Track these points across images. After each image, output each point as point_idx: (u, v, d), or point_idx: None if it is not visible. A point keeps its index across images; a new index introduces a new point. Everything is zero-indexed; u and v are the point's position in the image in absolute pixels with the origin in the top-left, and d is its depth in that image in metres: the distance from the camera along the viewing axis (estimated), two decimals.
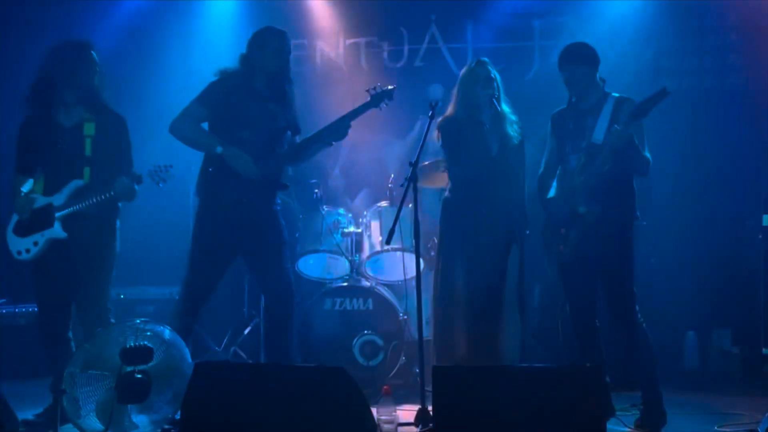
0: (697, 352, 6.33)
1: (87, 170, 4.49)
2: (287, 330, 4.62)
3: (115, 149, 4.56)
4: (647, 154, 4.32)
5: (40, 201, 4.49)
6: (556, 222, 4.43)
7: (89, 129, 4.51)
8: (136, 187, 4.48)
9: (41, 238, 4.47)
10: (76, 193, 4.47)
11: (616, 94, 4.44)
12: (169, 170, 4.49)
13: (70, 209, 4.45)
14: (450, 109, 4.87)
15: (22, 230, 4.51)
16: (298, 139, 4.76)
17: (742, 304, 6.23)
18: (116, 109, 4.64)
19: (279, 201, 4.73)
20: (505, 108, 4.79)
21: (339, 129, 4.60)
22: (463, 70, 4.89)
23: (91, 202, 4.44)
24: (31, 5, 6.79)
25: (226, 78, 4.60)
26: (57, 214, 4.45)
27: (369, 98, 4.63)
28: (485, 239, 4.70)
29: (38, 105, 4.55)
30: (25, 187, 4.53)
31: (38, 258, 4.49)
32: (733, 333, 6.28)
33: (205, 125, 4.61)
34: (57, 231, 4.46)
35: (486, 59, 4.86)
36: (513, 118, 4.80)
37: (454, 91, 4.88)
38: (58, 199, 4.47)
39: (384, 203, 5.85)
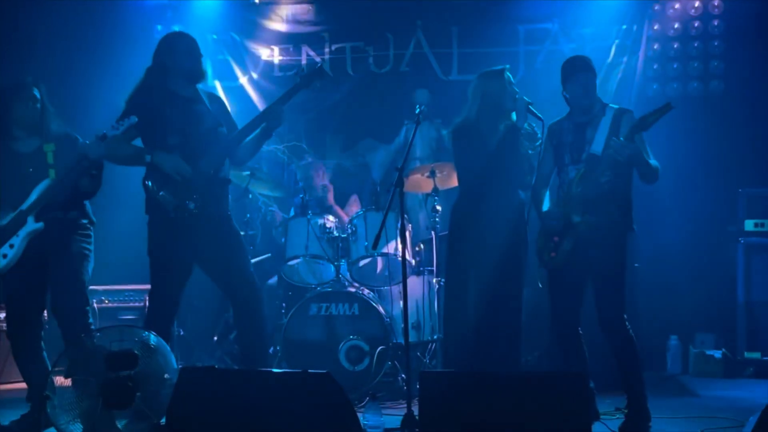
0: (680, 356, 6.38)
1: (52, 171, 4.47)
2: (261, 337, 4.57)
3: None
4: (654, 162, 4.35)
5: (10, 215, 4.43)
6: (550, 230, 4.45)
7: (49, 147, 4.51)
8: (102, 144, 4.34)
9: (17, 239, 4.41)
10: (45, 189, 4.43)
11: (615, 106, 4.46)
12: (129, 118, 4.32)
13: (42, 203, 4.40)
14: (472, 114, 4.76)
15: None
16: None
17: (724, 308, 6.30)
18: (67, 128, 4.62)
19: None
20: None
21: (272, 114, 4.50)
22: (488, 75, 4.76)
23: (59, 188, 4.40)
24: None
25: (143, 90, 4.52)
26: (29, 213, 4.41)
27: (299, 80, 4.57)
28: (500, 242, 4.67)
29: None
30: None
31: (17, 261, 4.41)
32: (715, 337, 6.35)
33: (138, 142, 4.55)
34: (30, 224, 4.41)
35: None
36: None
37: (477, 95, 4.75)
38: (27, 203, 4.43)
39: (370, 208, 5.85)
